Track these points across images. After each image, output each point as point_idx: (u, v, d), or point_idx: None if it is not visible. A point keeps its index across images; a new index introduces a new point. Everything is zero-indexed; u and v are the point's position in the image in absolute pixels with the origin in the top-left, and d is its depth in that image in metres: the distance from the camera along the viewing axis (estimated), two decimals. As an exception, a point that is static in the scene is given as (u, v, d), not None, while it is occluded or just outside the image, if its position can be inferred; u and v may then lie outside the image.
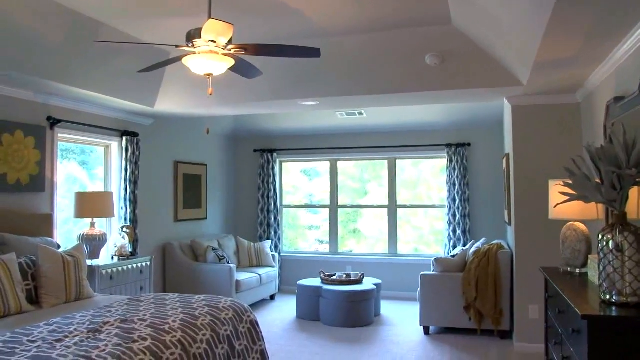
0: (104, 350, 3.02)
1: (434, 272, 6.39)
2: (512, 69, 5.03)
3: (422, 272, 6.43)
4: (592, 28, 3.33)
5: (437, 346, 5.86)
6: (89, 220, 5.69)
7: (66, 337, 3.27)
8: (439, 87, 5.45)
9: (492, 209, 8.04)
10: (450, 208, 8.12)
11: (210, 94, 4.00)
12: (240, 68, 4.20)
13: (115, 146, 6.60)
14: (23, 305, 4.14)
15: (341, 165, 9.17)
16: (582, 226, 3.89)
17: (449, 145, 8.19)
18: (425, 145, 8.42)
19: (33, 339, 3.20)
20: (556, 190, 3.68)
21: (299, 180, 9.62)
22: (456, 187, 8.08)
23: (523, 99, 5.65)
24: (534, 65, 4.25)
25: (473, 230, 8.11)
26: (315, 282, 7.27)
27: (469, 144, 8.18)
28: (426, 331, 6.36)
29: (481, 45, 5.01)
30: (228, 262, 7.30)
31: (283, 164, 9.48)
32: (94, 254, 5.61)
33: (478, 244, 6.67)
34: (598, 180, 2.79)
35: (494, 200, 8.00)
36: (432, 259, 6.56)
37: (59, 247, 5.15)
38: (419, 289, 6.43)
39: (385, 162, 8.83)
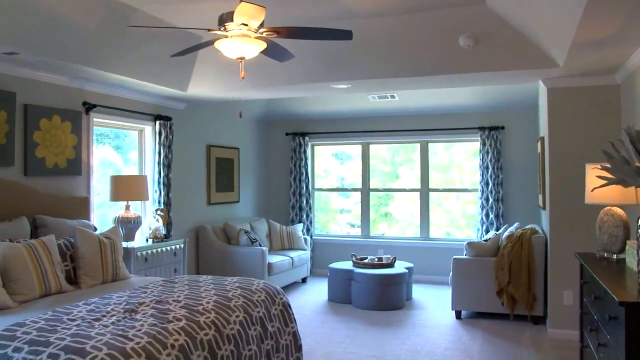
0: (140, 329, 3.09)
1: (466, 257, 6.35)
2: (548, 50, 4.91)
3: (454, 256, 6.40)
4: (634, 5, 3.22)
5: (469, 331, 5.83)
6: (124, 203, 5.79)
7: (104, 316, 3.35)
8: (473, 69, 5.36)
9: (526, 193, 7.92)
10: (483, 192, 8.04)
11: (243, 78, 4.01)
12: (272, 51, 4.19)
13: (149, 130, 6.68)
14: (63, 285, 4.25)
15: (373, 148, 9.13)
16: (619, 211, 3.81)
17: (482, 129, 8.08)
18: (458, 128, 8.32)
19: (73, 318, 3.29)
20: (593, 174, 3.60)
21: (330, 164, 9.62)
22: (489, 171, 7.98)
23: (559, 80, 5.53)
24: (572, 46, 4.14)
25: (506, 215, 8.02)
26: (347, 265, 7.29)
27: (502, 127, 8.05)
28: (458, 315, 6.34)
29: (516, 26, 4.90)
30: (260, 245, 7.37)
31: (315, 147, 9.48)
32: (129, 237, 5.72)
33: (511, 228, 6.59)
34: (638, 164, 2.72)
35: (527, 184, 7.88)
36: (465, 243, 6.51)
37: (95, 229, 5.27)
38: (450, 273, 6.40)
39: (417, 145, 8.76)
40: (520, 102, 7.65)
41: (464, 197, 8.69)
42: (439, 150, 8.80)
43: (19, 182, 4.88)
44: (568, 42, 4.08)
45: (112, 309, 3.51)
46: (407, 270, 7.06)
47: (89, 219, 5.52)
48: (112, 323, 3.21)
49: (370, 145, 9.10)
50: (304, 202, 9.09)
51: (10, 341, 2.89)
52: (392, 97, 7.91)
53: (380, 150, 9.21)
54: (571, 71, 5.18)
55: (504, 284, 5.99)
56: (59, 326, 3.12)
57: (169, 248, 6.07)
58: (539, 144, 6.75)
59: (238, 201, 8.61)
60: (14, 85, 4.90)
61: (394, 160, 9.25)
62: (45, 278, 4.09)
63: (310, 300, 7.24)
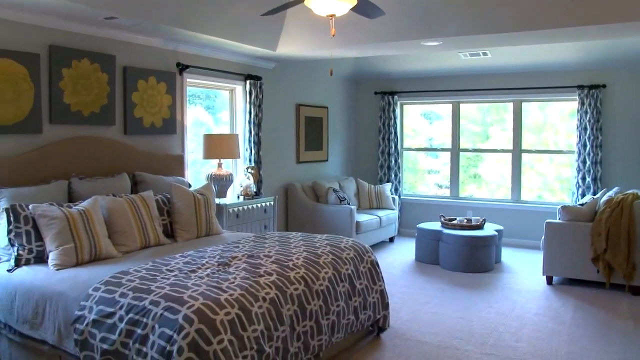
0: (233, 282, 3.22)
1: (560, 221, 6.11)
2: (661, 1, 4.53)
3: (547, 220, 6.17)
4: None
5: (560, 297, 5.65)
6: (216, 161, 5.97)
7: (199, 268, 3.52)
8: (576, 22, 4.99)
9: (628, 156, 7.48)
10: (580, 154, 7.65)
11: (333, 35, 3.98)
12: (362, 8, 4.12)
13: (240, 90, 6.81)
14: (161, 238, 4.49)
15: (463, 107, 8.87)
16: None
17: (580, 87, 7.64)
18: (554, 87, 7.91)
19: (171, 269, 3.48)
20: None
21: (419, 124, 9.46)
22: (587, 132, 7.57)
23: (673, 33, 5.10)
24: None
25: (605, 179, 7.61)
26: (435, 225, 7.22)
27: (603, 86, 7.57)
28: (549, 281, 6.15)
29: (625, -25, 4.54)
30: (349, 204, 7.42)
31: (404, 106, 9.34)
32: (222, 193, 5.91)
33: (610, 192, 6.25)
34: None
35: (631, 147, 7.43)
36: (558, 206, 6.26)
37: (189, 186, 5.49)
38: (542, 237, 6.20)
39: (510, 104, 8.43)
40: (625, 58, 7.14)
41: (558, 159, 8.32)
42: (532, 110, 8.42)
43: (120, 141, 5.15)
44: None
45: (207, 262, 3.67)
46: (496, 233, 6.91)
47: (183, 176, 5.76)
48: (207, 275, 3.37)
49: (461, 105, 8.85)
50: (393, 161, 9.03)
51: (117, 287, 3.11)
52: (485, 54, 7.60)
53: (470, 110, 8.94)
54: (688, 23, 4.74)
55: (601, 251, 5.73)
56: (159, 276, 3.31)
57: (259, 205, 6.24)
58: (645, 103, 6.32)
59: (327, 160, 8.67)
60: (113, 49, 5.12)
61: (485, 120, 8.97)
62: (145, 231, 4.33)
63: (397, 260, 7.25)
